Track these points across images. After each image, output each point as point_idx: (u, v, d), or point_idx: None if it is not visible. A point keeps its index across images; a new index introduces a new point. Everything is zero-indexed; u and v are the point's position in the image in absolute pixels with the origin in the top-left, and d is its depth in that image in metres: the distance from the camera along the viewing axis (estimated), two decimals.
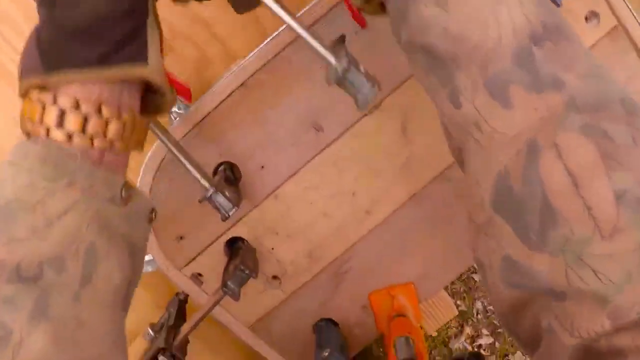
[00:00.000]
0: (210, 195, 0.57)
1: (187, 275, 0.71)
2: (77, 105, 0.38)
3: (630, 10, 0.72)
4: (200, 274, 0.71)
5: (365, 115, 0.68)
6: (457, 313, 0.78)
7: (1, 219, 0.36)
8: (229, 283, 0.64)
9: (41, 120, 0.38)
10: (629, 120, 0.32)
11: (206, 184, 0.57)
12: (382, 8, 0.45)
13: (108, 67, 0.38)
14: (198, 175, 0.56)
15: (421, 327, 0.76)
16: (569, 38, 0.35)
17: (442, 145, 0.61)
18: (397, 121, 0.69)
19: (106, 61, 0.38)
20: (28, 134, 0.39)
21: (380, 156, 0.69)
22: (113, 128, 0.39)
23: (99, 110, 0.39)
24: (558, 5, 0.46)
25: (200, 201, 0.57)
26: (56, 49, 0.38)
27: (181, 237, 0.69)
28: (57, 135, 0.38)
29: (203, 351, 0.80)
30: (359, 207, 0.70)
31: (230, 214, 0.58)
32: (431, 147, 0.70)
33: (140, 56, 0.39)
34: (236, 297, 0.64)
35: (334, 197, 0.69)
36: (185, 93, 0.57)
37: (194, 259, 0.70)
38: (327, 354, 0.67)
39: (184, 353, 0.65)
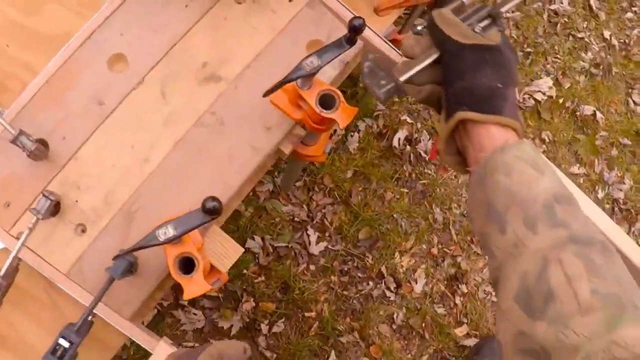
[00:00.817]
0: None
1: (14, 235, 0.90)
2: None
3: None
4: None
5: (134, 88, 0.93)
6: (243, 250, 0.92)
7: None
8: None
9: None
10: (604, 254, 0.58)
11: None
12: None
13: None
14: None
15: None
16: (575, 205, 0.62)
17: (194, 101, 0.92)
18: (157, 88, 0.93)
19: None
20: None
21: (148, 115, 0.92)
22: None
23: None
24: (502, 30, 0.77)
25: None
26: None
27: (8, 204, 0.90)
28: None
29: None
30: (139, 157, 0.91)
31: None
32: (185, 104, 0.92)
33: None
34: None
35: (118, 151, 0.91)
36: None
37: (19, 219, 0.90)
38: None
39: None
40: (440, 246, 2.04)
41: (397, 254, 1.96)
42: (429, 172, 2.11)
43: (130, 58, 0.94)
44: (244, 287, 1.88)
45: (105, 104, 0.92)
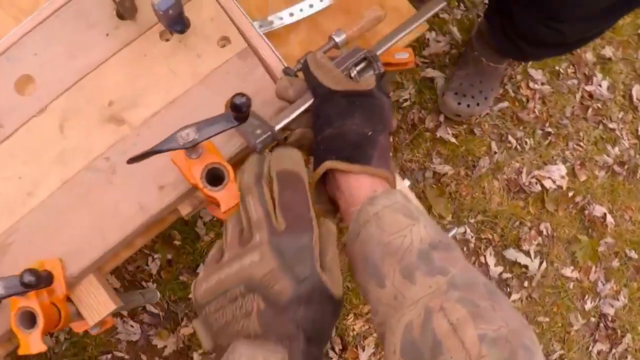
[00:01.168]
0: None
1: None
2: None
3: (259, 33, 0.87)
4: None
5: (34, 116, 0.86)
6: (114, 307, 0.86)
7: None
8: None
9: None
10: (489, 296, 0.56)
11: None
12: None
13: None
14: None
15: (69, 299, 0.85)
16: (454, 251, 0.61)
17: (91, 142, 0.85)
18: (57, 120, 0.86)
19: None
20: None
21: (43, 148, 0.86)
22: None
23: None
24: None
25: None
26: None
27: None
28: None
29: None
30: (24, 189, 0.85)
31: None
32: (80, 143, 0.85)
33: None
34: None
35: (5, 180, 0.85)
36: None
37: None
38: None
39: None
40: None
41: (351, 315, 1.87)
42: None
43: (39, 81, 0.88)
44: (187, 311, 1.82)
45: (4, 127, 0.86)
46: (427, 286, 0.57)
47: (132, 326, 1.80)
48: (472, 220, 1.95)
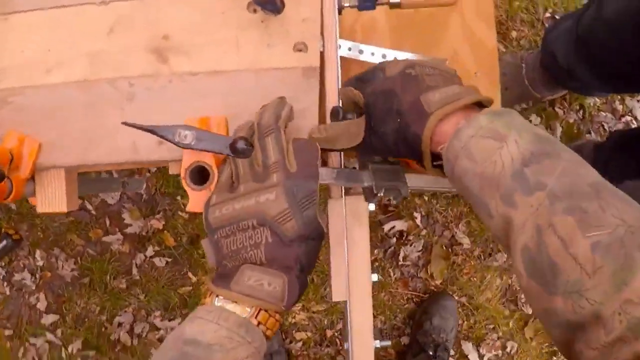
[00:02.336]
0: None
1: None
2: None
3: (337, 59, 0.83)
4: None
5: (93, 3, 0.85)
6: (65, 210, 0.87)
7: (204, 353, 0.60)
8: None
9: (264, 323, 0.66)
10: (596, 195, 0.53)
11: None
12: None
13: None
14: None
15: None
16: (551, 156, 0.57)
17: (128, 60, 0.86)
18: (110, 20, 0.85)
19: None
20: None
21: (84, 37, 0.85)
22: (273, 322, 0.68)
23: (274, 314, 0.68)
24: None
25: None
26: (298, 297, 0.68)
27: None
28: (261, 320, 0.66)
29: None
30: (45, 63, 0.85)
31: None
32: (119, 55, 0.84)
33: None
34: None
35: (35, 44, 0.85)
36: None
37: None
38: None
39: None
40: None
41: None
42: None
43: None
44: (167, 208, 1.87)
45: None
46: (529, 206, 0.55)
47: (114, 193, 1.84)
48: (456, 297, 1.91)
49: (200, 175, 0.75)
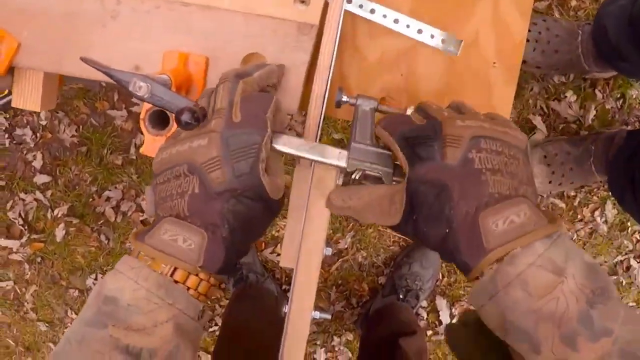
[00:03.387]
0: None
1: None
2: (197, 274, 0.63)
3: (340, 14, 0.78)
4: None
5: None
6: (38, 110, 0.87)
7: (122, 314, 0.57)
8: None
9: (184, 280, 0.62)
10: None
11: None
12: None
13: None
14: None
15: None
16: (611, 297, 0.55)
17: None
18: None
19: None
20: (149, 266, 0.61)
21: None
22: (207, 286, 0.64)
23: (208, 278, 0.64)
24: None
25: None
26: (230, 265, 0.62)
27: None
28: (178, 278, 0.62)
29: None
30: None
31: None
32: None
33: None
34: None
35: None
36: None
37: None
38: None
39: None
40: None
41: None
42: None
43: None
44: None
45: None
46: (592, 352, 0.53)
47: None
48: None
49: (161, 119, 0.74)
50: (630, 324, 0.54)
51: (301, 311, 0.79)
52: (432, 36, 0.84)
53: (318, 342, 2.06)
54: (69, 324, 2.09)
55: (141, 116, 0.73)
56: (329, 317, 0.85)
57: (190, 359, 0.63)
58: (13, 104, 0.89)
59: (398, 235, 1.95)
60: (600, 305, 0.54)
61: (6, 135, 1.92)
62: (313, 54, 0.81)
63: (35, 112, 1.90)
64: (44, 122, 1.91)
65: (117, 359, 0.56)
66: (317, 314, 0.82)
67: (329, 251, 0.81)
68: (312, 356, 2.08)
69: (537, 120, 1.81)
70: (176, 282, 0.61)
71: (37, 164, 1.94)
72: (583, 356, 0.53)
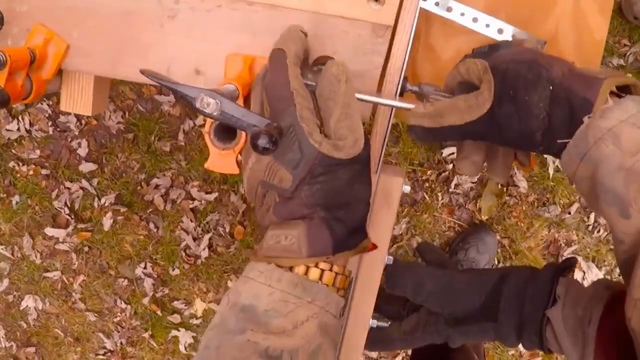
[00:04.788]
0: None
1: None
2: (331, 268, 0.59)
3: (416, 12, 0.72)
4: None
5: None
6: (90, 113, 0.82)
7: (262, 319, 0.55)
8: None
9: (320, 279, 0.59)
10: None
11: None
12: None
13: (360, 245, 0.61)
14: None
15: None
16: None
17: None
18: None
19: (362, 240, 0.61)
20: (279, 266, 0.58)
21: None
22: (343, 279, 0.61)
23: (342, 271, 0.60)
24: None
25: None
26: (343, 241, 0.58)
27: None
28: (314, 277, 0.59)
29: None
30: None
31: None
32: None
33: (367, 233, 0.63)
34: None
35: None
36: (372, 248, 0.68)
37: None
38: None
39: None
40: None
41: None
42: None
43: None
44: None
45: None
46: None
47: None
48: (498, 237, 1.86)
49: (227, 131, 0.69)
50: None
51: (359, 319, 0.78)
52: (514, 36, 0.77)
53: None
54: (118, 314, 2.09)
55: (205, 129, 0.67)
56: (386, 325, 0.83)
57: (332, 358, 0.60)
58: (62, 108, 0.85)
59: (454, 220, 1.89)
60: None
61: (50, 123, 1.89)
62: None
63: None
64: None
65: None
66: (375, 323, 0.80)
67: (390, 260, 0.79)
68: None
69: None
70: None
71: (83, 151, 1.91)
72: None
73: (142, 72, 0.61)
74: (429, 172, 1.85)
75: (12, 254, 2.05)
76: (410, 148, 1.81)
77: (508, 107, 0.62)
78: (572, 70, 0.61)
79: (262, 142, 0.54)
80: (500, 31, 0.77)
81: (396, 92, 0.74)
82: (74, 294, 2.08)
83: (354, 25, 0.73)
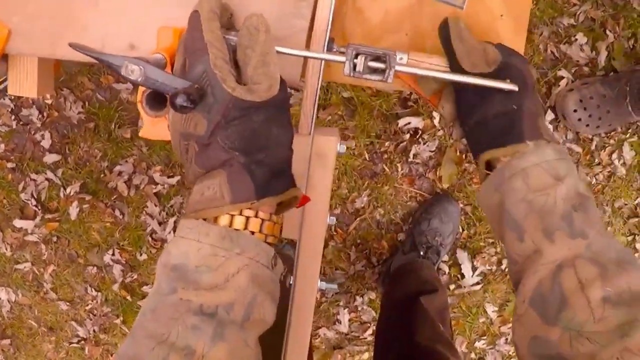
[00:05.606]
0: None
1: None
2: (257, 214, 0.61)
3: None
4: None
5: None
6: (35, 95, 0.87)
7: (192, 276, 0.57)
8: None
9: (245, 226, 0.60)
10: (618, 262, 0.61)
11: None
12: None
13: (286, 192, 0.62)
14: None
15: None
16: (592, 210, 0.64)
17: None
18: None
19: (288, 187, 0.63)
20: (204, 219, 0.60)
21: None
22: (270, 225, 0.62)
23: (269, 217, 0.62)
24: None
25: None
26: (266, 185, 0.60)
27: None
28: (239, 227, 0.60)
29: None
30: None
31: None
32: None
33: (294, 182, 0.65)
34: None
35: None
36: (304, 201, 0.72)
37: None
38: None
39: None
40: None
41: None
42: None
43: None
44: None
45: None
46: (567, 248, 0.63)
47: None
48: (460, 205, 1.94)
49: (158, 99, 0.73)
50: (603, 237, 0.64)
51: (306, 282, 0.80)
52: None
53: (341, 303, 2.08)
54: (89, 302, 2.13)
55: (138, 99, 0.72)
56: (335, 287, 0.86)
57: (270, 310, 0.62)
58: (9, 92, 0.89)
59: (415, 190, 1.95)
60: (582, 212, 0.64)
61: (12, 117, 1.93)
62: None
63: None
64: (49, 101, 1.92)
65: (191, 321, 0.55)
66: (324, 285, 0.83)
67: (332, 220, 0.82)
68: (335, 317, 2.10)
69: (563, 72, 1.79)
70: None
71: (46, 143, 1.95)
72: (557, 249, 0.63)
73: (71, 45, 0.66)
74: (386, 143, 1.90)
75: None
76: (367, 121, 1.86)
77: (482, 94, 0.71)
78: (536, 119, 0.70)
79: (180, 100, 0.58)
80: None
81: (323, 52, 0.78)
82: (45, 284, 2.12)
83: None
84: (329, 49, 0.78)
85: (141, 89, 0.73)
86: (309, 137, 0.79)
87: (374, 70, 0.72)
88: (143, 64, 0.64)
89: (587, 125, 1.75)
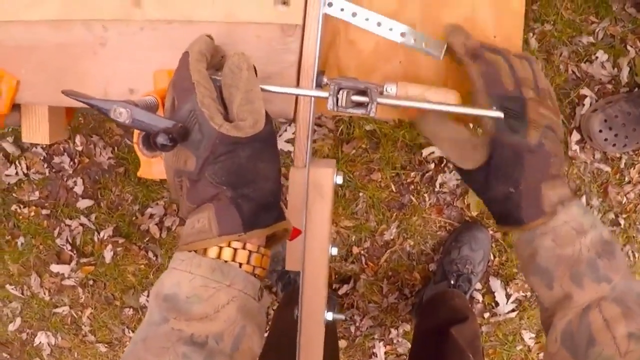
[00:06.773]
0: None
1: None
2: (244, 246, 0.63)
3: (320, 16, 0.79)
4: None
5: None
6: (47, 142, 0.91)
7: (183, 306, 0.59)
8: None
9: (233, 258, 0.62)
10: (639, 301, 0.68)
11: None
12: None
13: (274, 224, 0.65)
14: None
15: None
16: (616, 256, 0.70)
17: (102, 2, 0.79)
18: None
19: (276, 220, 0.65)
20: (196, 251, 0.63)
21: None
22: (258, 258, 0.65)
23: (257, 249, 0.64)
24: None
25: None
26: (253, 218, 0.62)
27: None
28: (227, 258, 0.63)
29: None
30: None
31: None
32: None
33: (284, 215, 0.67)
34: None
35: None
36: (295, 234, 0.77)
37: None
38: None
39: None
40: None
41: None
42: None
43: None
44: None
45: None
46: (594, 292, 0.69)
47: None
48: (490, 232, 1.92)
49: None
50: (627, 280, 0.70)
51: (312, 313, 0.81)
52: (415, 40, 0.82)
53: (376, 336, 2.07)
54: (127, 343, 2.16)
55: (134, 140, 0.75)
56: (342, 317, 0.87)
57: (258, 341, 0.64)
58: (23, 139, 0.93)
59: (443, 219, 1.93)
60: (606, 259, 0.69)
61: (45, 165, 2.00)
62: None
63: (69, 139, 1.97)
64: (80, 148, 1.98)
65: (182, 350, 0.57)
66: (330, 315, 0.83)
67: (334, 251, 0.82)
68: (371, 351, 2.09)
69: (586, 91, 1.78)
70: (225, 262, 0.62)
71: (79, 189, 2.01)
72: (586, 293, 0.69)
73: (64, 92, 0.69)
74: (412, 174, 1.90)
75: (22, 293, 2.15)
76: (391, 152, 1.87)
77: (483, 175, 0.75)
78: (538, 188, 0.73)
79: (160, 139, 0.61)
80: (403, 35, 0.82)
81: (312, 86, 0.80)
82: (83, 327, 2.17)
83: (264, 29, 0.81)
84: (319, 83, 0.80)
85: (137, 131, 0.75)
86: (305, 170, 0.80)
87: (359, 104, 0.73)
88: (130, 107, 0.66)
89: (614, 145, 1.73)
